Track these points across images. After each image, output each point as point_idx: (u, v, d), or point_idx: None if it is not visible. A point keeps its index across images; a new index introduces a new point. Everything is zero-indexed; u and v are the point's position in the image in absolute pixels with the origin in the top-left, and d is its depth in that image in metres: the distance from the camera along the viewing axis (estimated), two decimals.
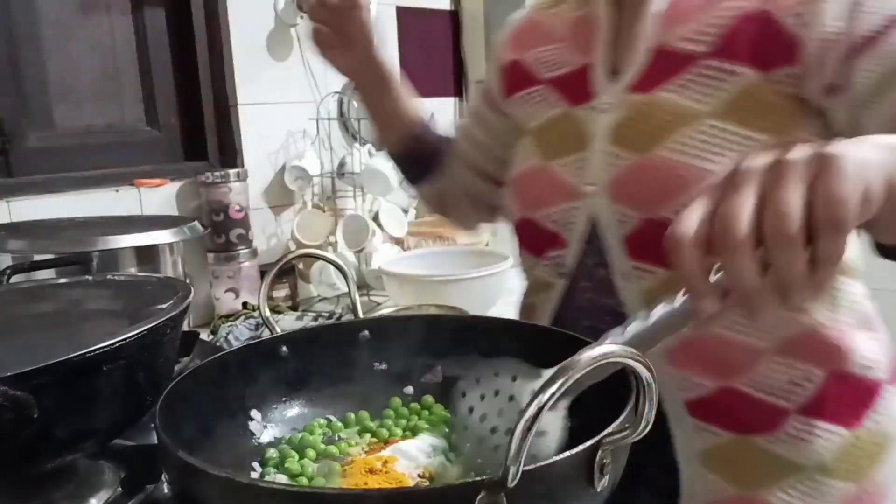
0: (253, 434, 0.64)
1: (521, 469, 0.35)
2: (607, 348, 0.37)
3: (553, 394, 0.35)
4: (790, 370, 0.66)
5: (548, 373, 0.37)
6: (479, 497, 0.35)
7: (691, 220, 0.40)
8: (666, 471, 0.70)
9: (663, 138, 0.64)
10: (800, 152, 0.39)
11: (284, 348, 0.66)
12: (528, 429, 0.35)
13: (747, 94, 0.61)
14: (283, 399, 0.67)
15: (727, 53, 0.62)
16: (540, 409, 0.35)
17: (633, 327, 0.45)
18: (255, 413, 0.65)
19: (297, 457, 0.60)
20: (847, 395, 0.67)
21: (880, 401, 0.68)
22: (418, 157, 0.96)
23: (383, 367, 0.69)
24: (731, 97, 0.62)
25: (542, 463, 0.38)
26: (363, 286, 1.71)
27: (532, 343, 0.67)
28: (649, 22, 0.67)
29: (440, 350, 0.68)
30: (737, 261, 0.39)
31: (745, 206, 0.39)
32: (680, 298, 0.44)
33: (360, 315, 0.72)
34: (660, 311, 0.44)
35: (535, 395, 0.35)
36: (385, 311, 1.38)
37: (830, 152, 0.38)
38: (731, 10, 0.63)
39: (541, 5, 0.84)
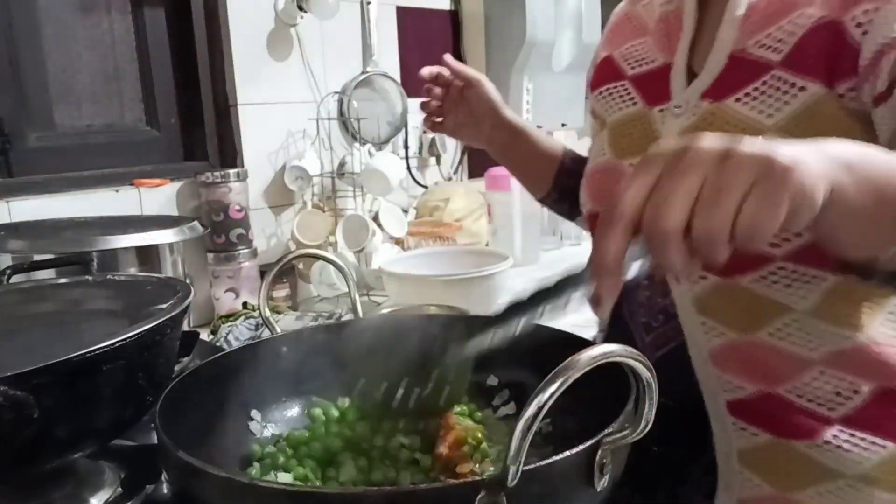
0: (253, 434, 0.64)
1: (520, 469, 0.35)
2: (607, 348, 0.37)
3: (553, 393, 0.35)
4: (837, 381, 0.65)
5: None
6: (480, 496, 0.35)
7: (632, 199, 0.39)
8: (706, 470, 0.71)
9: None
10: (752, 148, 0.37)
11: (284, 348, 0.67)
12: (528, 428, 0.35)
13: (812, 109, 0.60)
14: (283, 399, 0.67)
15: (798, 66, 0.61)
16: (539, 409, 0.35)
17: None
18: (255, 413, 0.65)
19: (291, 454, 0.60)
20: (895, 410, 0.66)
21: None
22: (574, 189, 0.89)
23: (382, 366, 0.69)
24: (795, 112, 0.60)
25: (542, 463, 0.38)
26: (363, 286, 1.71)
27: (532, 343, 0.67)
28: (730, 25, 0.66)
29: (440, 350, 0.68)
30: (664, 251, 0.38)
31: (678, 199, 0.38)
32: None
33: (361, 315, 0.72)
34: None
35: (535, 394, 0.35)
36: (385, 312, 1.38)
37: (783, 161, 0.37)
38: (807, 17, 0.61)
39: None
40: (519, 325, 0.49)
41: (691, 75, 0.69)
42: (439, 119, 0.95)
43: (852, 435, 0.65)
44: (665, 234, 0.37)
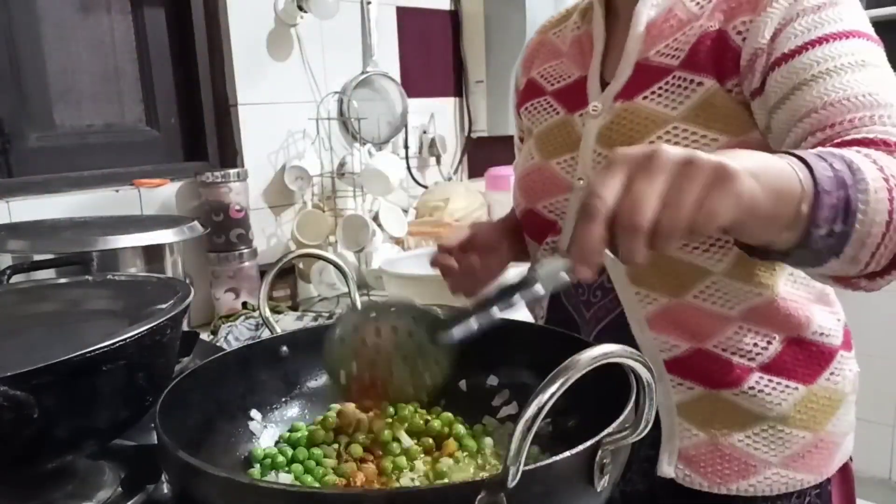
0: (253, 434, 0.64)
1: (520, 469, 0.35)
2: (607, 348, 0.37)
3: (553, 394, 0.35)
4: (754, 335, 0.76)
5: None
6: (480, 497, 0.35)
7: (608, 194, 0.46)
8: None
9: (639, 140, 0.74)
10: (708, 158, 0.45)
11: (284, 348, 0.67)
12: (528, 429, 0.35)
13: (709, 101, 0.71)
14: (283, 399, 0.67)
15: (693, 66, 0.72)
16: (540, 410, 0.35)
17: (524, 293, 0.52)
18: (255, 413, 0.65)
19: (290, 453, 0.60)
20: (804, 357, 0.77)
21: (835, 364, 0.79)
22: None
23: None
24: (695, 104, 0.72)
25: (542, 463, 0.38)
26: (363, 286, 1.71)
27: (532, 342, 0.67)
28: (634, 40, 0.77)
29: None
30: (633, 242, 0.45)
31: (651, 197, 0.45)
32: (554, 262, 0.50)
33: None
34: (545, 270, 0.51)
35: (535, 395, 0.35)
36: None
37: (730, 171, 0.45)
38: (697, 28, 0.73)
39: (545, 28, 0.96)
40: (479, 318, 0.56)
41: (604, 84, 0.81)
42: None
43: (770, 380, 0.76)
44: (639, 227, 0.44)
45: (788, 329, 0.76)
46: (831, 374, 0.78)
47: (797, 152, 0.53)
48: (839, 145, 0.60)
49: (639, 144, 0.71)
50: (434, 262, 0.84)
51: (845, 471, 0.84)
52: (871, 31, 0.68)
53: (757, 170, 0.48)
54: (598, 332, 0.82)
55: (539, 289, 0.51)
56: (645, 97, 0.75)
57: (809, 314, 0.77)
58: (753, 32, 0.69)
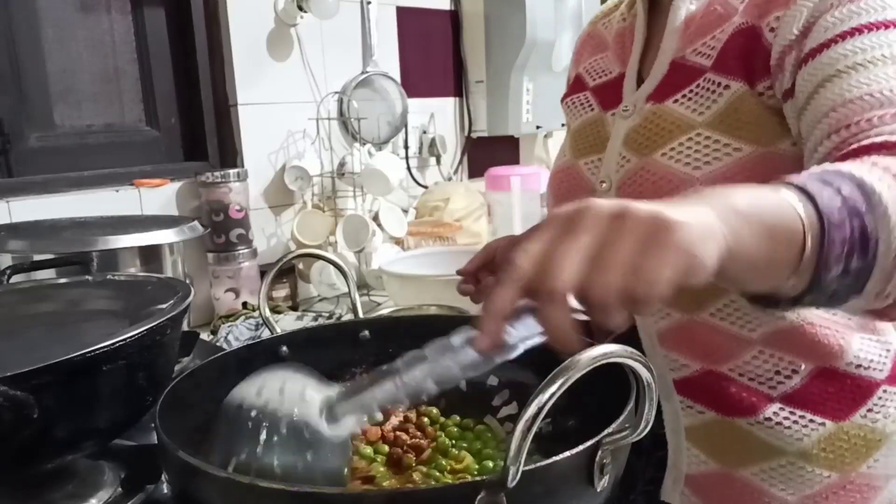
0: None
1: (520, 469, 0.35)
2: (608, 348, 0.37)
3: (553, 394, 0.35)
4: (776, 361, 0.69)
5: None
6: (480, 497, 0.35)
7: (524, 259, 0.39)
8: (656, 443, 0.75)
9: (663, 145, 0.69)
10: (641, 211, 0.38)
11: (284, 348, 0.67)
12: (528, 429, 0.35)
13: (734, 105, 0.66)
14: None
15: (724, 67, 0.67)
16: (540, 410, 0.35)
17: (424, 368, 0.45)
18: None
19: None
20: (835, 390, 0.69)
21: (874, 399, 0.70)
22: None
23: (383, 367, 0.69)
24: (721, 109, 0.66)
25: (543, 463, 0.38)
26: (363, 286, 1.71)
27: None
28: (671, 36, 0.72)
29: None
30: (553, 309, 0.37)
31: (568, 258, 0.37)
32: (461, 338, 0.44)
33: (361, 315, 0.72)
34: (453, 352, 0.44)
35: (535, 395, 0.35)
36: (385, 312, 1.38)
37: (667, 223, 0.37)
38: (732, 25, 0.67)
39: (596, 18, 0.91)
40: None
41: (641, 82, 0.76)
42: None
43: (792, 413, 0.69)
44: (551, 292, 0.37)
45: (817, 358, 0.68)
46: (869, 410, 0.70)
47: (796, 181, 0.45)
48: (854, 152, 0.52)
49: (660, 148, 0.68)
50: (459, 291, 0.79)
51: None
52: None
53: (743, 207, 0.40)
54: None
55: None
56: (676, 100, 0.70)
57: (844, 342, 0.68)
58: (784, 27, 0.63)
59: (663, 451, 0.74)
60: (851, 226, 0.42)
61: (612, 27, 0.85)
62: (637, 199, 0.67)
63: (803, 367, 0.68)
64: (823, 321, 0.68)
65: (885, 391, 0.71)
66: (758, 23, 0.65)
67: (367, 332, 0.70)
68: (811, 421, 0.69)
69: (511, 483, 0.35)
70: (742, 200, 0.41)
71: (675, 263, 0.37)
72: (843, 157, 0.52)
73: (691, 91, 0.69)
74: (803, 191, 0.43)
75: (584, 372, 0.36)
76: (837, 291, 0.44)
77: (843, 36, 0.59)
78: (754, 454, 0.70)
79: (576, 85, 0.88)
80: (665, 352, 0.71)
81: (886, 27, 0.58)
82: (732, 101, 0.66)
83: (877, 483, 0.72)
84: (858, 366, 0.69)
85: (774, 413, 0.69)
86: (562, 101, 0.91)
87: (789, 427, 0.69)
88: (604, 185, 0.75)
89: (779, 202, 0.43)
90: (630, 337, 0.73)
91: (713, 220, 0.39)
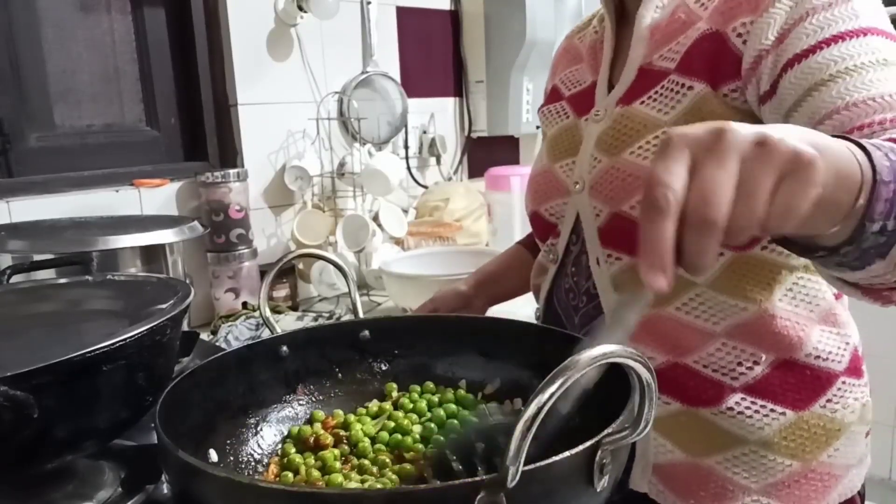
0: (253, 433, 0.64)
1: (520, 469, 0.35)
2: (607, 348, 0.37)
3: (553, 393, 0.35)
4: (738, 353, 0.71)
5: None
6: (479, 497, 0.35)
7: (676, 182, 0.38)
8: None
9: (631, 144, 0.72)
10: (784, 140, 0.39)
11: (285, 348, 0.67)
12: (528, 429, 0.35)
13: (698, 106, 0.68)
14: (283, 399, 0.67)
15: (687, 70, 0.70)
16: (539, 409, 0.35)
17: (606, 333, 0.43)
18: (254, 412, 0.65)
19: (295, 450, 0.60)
20: (795, 380, 0.72)
21: (833, 391, 0.73)
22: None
23: (383, 367, 0.69)
24: (685, 108, 0.69)
25: (542, 463, 0.38)
26: (363, 286, 1.71)
27: (531, 342, 0.67)
28: (638, 44, 0.76)
29: (440, 350, 0.69)
30: (706, 241, 0.38)
31: (726, 186, 0.38)
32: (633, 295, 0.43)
33: (361, 315, 0.72)
34: (623, 310, 0.43)
35: (535, 395, 0.35)
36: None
37: (809, 157, 0.38)
38: (695, 30, 0.71)
39: (572, 33, 0.95)
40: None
41: (612, 89, 0.79)
42: None
43: (753, 402, 0.71)
44: (713, 223, 0.37)
45: (778, 349, 0.71)
46: (828, 401, 0.73)
47: (852, 137, 0.46)
48: None
49: (629, 147, 0.71)
50: None
51: None
52: (890, 27, 0.63)
53: (821, 147, 0.41)
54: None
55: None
56: (642, 102, 0.73)
57: (804, 335, 0.71)
58: (756, 34, 0.65)
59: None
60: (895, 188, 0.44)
61: (585, 40, 0.90)
62: (607, 196, 0.73)
63: (764, 357, 0.71)
64: (784, 313, 0.71)
65: (843, 382, 0.74)
66: (723, 28, 0.68)
67: (367, 332, 0.70)
68: (772, 410, 0.71)
69: (510, 483, 0.35)
70: (820, 139, 0.42)
71: (812, 198, 0.38)
72: None
73: (656, 92, 0.72)
74: (859, 146, 0.45)
75: (583, 372, 0.36)
76: (869, 250, 0.46)
77: (826, 42, 0.62)
78: (718, 443, 0.72)
79: (553, 95, 0.92)
80: (633, 345, 0.72)
81: (864, 34, 0.61)
82: (696, 102, 0.68)
83: (837, 472, 0.74)
84: (817, 357, 0.72)
85: (736, 403, 0.71)
86: (539, 110, 0.95)
87: (751, 416, 0.71)
88: (577, 185, 0.78)
89: (843, 148, 0.44)
90: None
91: (821, 157, 0.40)
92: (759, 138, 0.38)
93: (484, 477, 0.36)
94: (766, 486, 0.72)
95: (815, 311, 0.72)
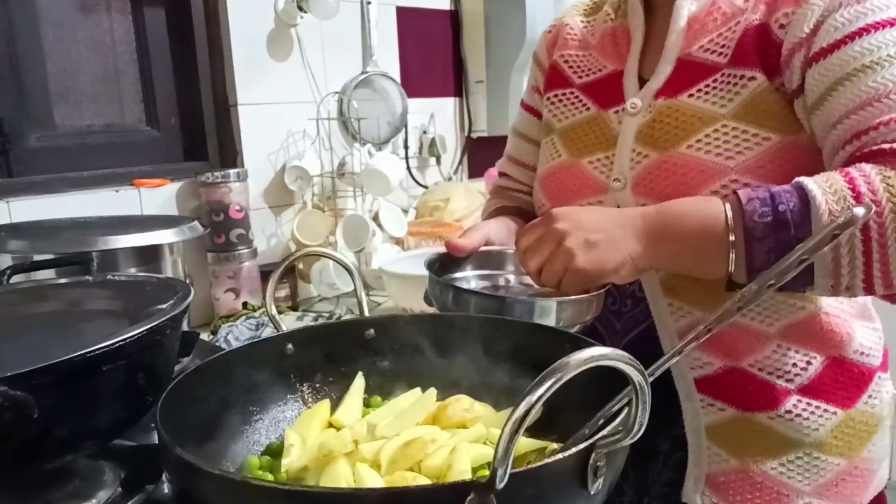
0: (254, 433, 0.64)
1: (508, 471, 0.35)
2: (599, 350, 0.37)
3: (542, 395, 0.35)
4: (793, 354, 0.71)
5: None
6: (469, 498, 0.35)
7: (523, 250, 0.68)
8: (674, 445, 0.76)
9: (686, 138, 0.70)
10: (564, 241, 0.64)
11: (290, 346, 0.67)
12: (516, 430, 0.35)
13: (759, 97, 0.67)
14: (286, 397, 0.67)
15: (741, 62, 0.69)
16: (528, 410, 0.35)
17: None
18: (256, 411, 0.65)
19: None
20: (844, 378, 0.72)
21: (873, 386, 0.74)
22: None
23: (387, 364, 0.69)
24: (745, 100, 0.68)
25: (533, 465, 0.38)
26: (363, 286, 1.71)
27: (531, 342, 0.68)
28: (675, 35, 0.74)
29: (444, 349, 0.69)
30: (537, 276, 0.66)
31: (538, 255, 0.65)
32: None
33: (366, 313, 0.72)
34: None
35: (524, 396, 0.35)
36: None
37: (567, 252, 0.63)
38: (743, 23, 0.70)
39: (576, 10, 0.90)
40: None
41: (641, 80, 0.77)
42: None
43: (809, 404, 0.71)
44: (530, 273, 0.66)
45: (830, 348, 0.71)
46: (869, 396, 0.73)
47: (740, 193, 0.60)
48: (866, 156, 0.58)
49: (685, 141, 0.70)
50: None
51: (880, 500, 0.78)
52: None
53: (657, 228, 0.60)
54: (625, 343, 0.77)
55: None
56: (691, 94, 0.71)
57: (851, 331, 0.72)
58: (795, 24, 0.65)
59: (681, 452, 0.75)
60: (778, 238, 0.56)
61: (594, 27, 0.85)
62: (656, 193, 0.74)
63: (817, 357, 0.71)
64: (834, 310, 0.71)
65: (879, 377, 0.75)
66: (766, 20, 0.68)
67: (372, 331, 0.70)
68: (825, 410, 0.71)
69: (499, 484, 0.35)
70: (663, 218, 0.62)
71: (580, 276, 0.64)
72: (855, 163, 0.59)
73: (707, 86, 0.70)
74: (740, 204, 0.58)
75: (574, 373, 0.36)
76: (792, 282, 0.53)
77: (851, 37, 0.61)
78: (773, 448, 0.72)
79: (555, 77, 0.86)
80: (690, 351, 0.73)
81: (892, 25, 0.61)
82: (757, 93, 0.67)
83: (874, 466, 0.75)
84: (862, 353, 0.72)
85: (794, 405, 0.71)
86: (543, 91, 0.89)
87: (807, 418, 0.71)
88: (618, 182, 0.75)
89: (698, 221, 0.61)
90: (650, 336, 0.74)
91: (624, 254, 0.63)
92: (559, 234, 0.65)
93: (474, 478, 0.36)
94: (817, 488, 0.72)
95: (854, 306, 0.73)
